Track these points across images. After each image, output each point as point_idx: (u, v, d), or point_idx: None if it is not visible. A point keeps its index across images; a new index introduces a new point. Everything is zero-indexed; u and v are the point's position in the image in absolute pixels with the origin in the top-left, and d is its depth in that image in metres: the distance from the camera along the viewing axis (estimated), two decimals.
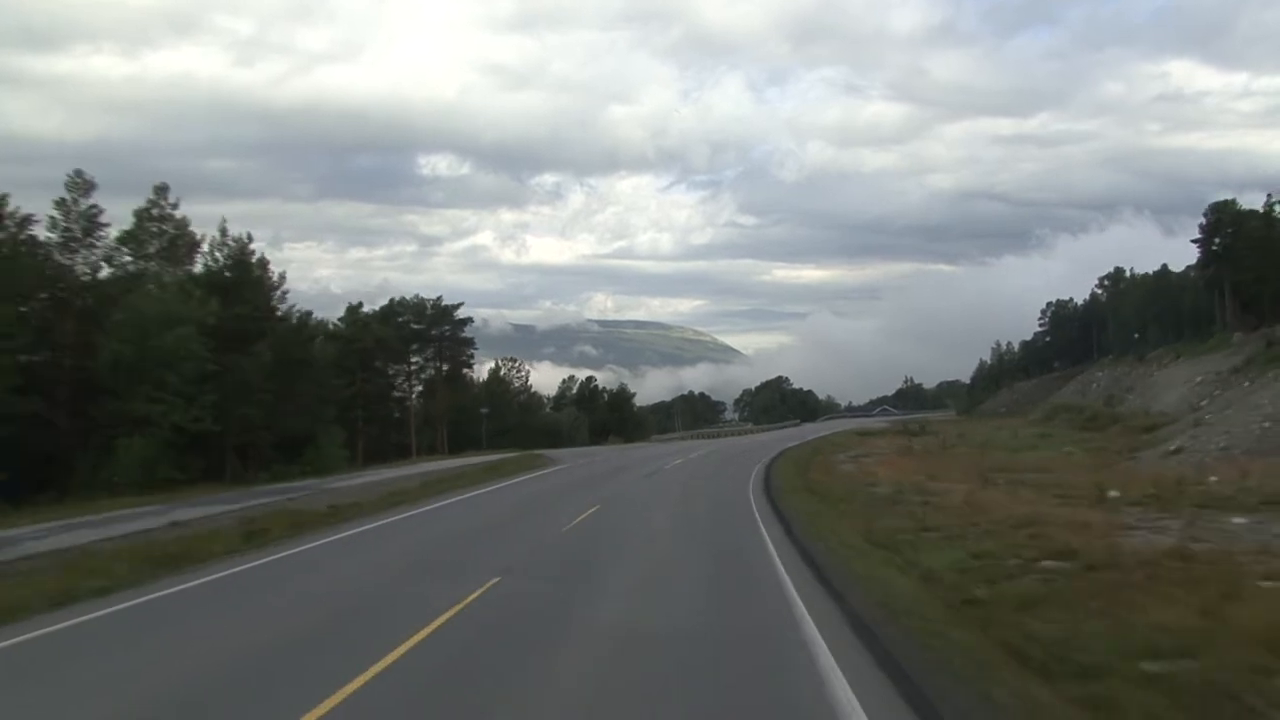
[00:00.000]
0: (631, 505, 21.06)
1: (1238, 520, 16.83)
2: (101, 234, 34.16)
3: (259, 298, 38.06)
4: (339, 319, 55.25)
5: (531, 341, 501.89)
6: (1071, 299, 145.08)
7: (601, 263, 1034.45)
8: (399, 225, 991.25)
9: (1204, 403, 67.57)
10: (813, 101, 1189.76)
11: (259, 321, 37.18)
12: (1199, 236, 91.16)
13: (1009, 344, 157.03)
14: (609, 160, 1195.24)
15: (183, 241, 35.98)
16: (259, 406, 35.14)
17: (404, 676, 6.93)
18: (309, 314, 52.22)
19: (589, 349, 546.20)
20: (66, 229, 33.35)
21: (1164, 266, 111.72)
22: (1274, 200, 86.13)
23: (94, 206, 33.75)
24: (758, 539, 15.23)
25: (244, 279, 37.36)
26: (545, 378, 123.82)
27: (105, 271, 34.81)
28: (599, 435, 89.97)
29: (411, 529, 17.71)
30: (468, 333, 69.69)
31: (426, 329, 66.00)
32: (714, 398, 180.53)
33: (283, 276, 41.94)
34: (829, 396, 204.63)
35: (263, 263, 39.37)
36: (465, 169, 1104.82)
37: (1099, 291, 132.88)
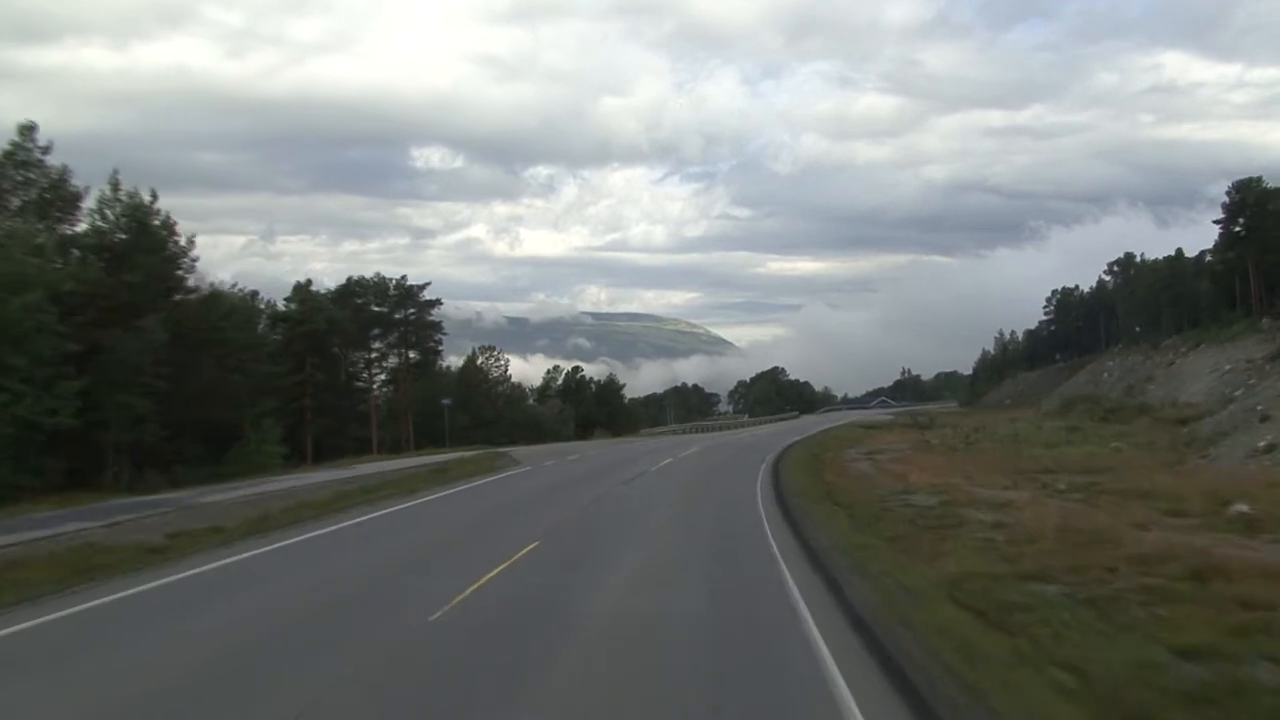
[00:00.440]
0: (592, 537, 14.90)
1: None
2: None
3: (159, 266, 31.80)
4: (285, 298, 49.44)
5: (525, 334, 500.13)
6: (1077, 286, 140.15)
7: (595, 255, 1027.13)
8: (392, 218, 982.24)
9: (1238, 393, 62.62)
10: (807, 94, 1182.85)
11: (159, 293, 31.12)
12: (1221, 217, 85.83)
13: (1012, 333, 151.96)
14: (602, 152, 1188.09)
15: (58, 195, 29.87)
16: (147, 395, 29.17)
17: None
18: (254, 293, 46.65)
19: (582, 341, 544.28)
20: None
21: (1178, 251, 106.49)
22: None
23: None
24: (788, 606, 9.37)
25: (139, 243, 31.24)
26: (539, 370, 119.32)
27: None
28: (585, 429, 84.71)
29: (229, 589, 11.07)
30: (437, 316, 63.36)
31: (389, 312, 60.04)
32: (708, 390, 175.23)
33: (191, 241, 35.36)
34: (825, 388, 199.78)
35: (167, 225, 33.37)
36: (458, 161, 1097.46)
37: (1107, 279, 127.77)
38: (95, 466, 28.44)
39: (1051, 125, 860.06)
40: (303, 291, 49.56)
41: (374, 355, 60.27)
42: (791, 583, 10.54)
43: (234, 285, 43.50)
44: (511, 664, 7.37)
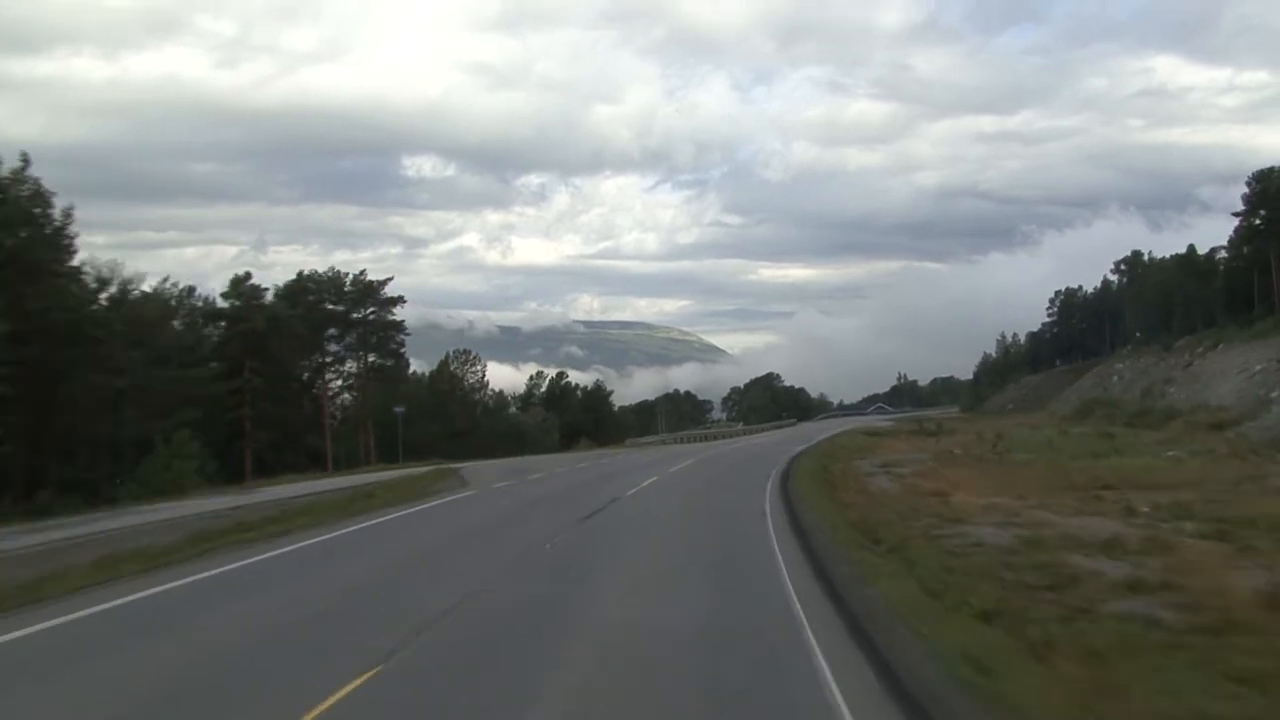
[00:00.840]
0: (478, 658, 7.80)
1: None
2: None
3: (21, 242, 26.16)
4: (222, 293, 43.82)
5: (517, 343, 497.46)
6: (1081, 287, 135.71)
7: (587, 263, 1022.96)
8: (384, 227, 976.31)
9: (1275, 394, 57.92)
10: (798, 100, 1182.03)
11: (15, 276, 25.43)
12: (1242, 209, 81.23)
13: (1014, 336, 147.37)
14: (594, 160, 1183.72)
15: None
16: None
17: None
18: (189, 289, 41.34)
19: (575, 350, 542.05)
20: None
21: (1190, 247, 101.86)
22: None
23: None
24: None
25: None
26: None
27: None
28: (571, 438, 79.60)
29: None
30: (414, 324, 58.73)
31: (346, 311, 54.53)
32: (701, 397, 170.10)
33: (69, 214, 29.65)
34: (821, 394, 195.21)
35: (41, 199, 27.59)
36: (450, 170, 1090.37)
37: (1112, 279, 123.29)
38: None
39: (1042, 130, 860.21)
40: (240, 286, 43.84)
41: (328, 359, 54.66)
42: None
43: (167, 281, 38.33)
44: None
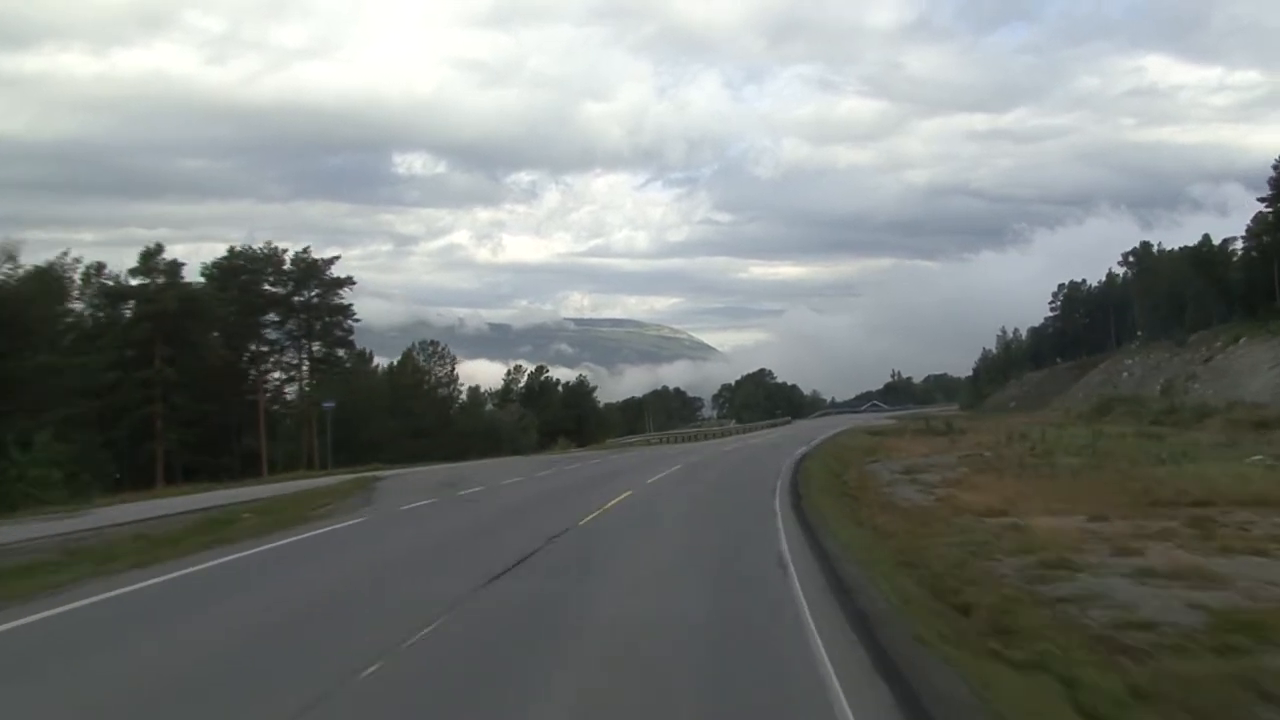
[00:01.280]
0: None
1: None
2: None
3: None
4: (130, 269, 37.63)
5: (508, 341, 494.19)
6: (1084, 281, 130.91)
7: (578, 261, 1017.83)
8: (374, 225, 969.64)
9: None
10: (788, 98, 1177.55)
11: None
12: (1267, 194, 76.33)
13: (1015, 331, 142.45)
14: (585, 158, 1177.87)
15: None
16: None
17: None
18: (100, 266, 35.63)
19: (565, 347, 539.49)
20: None
21: (1205, 237, 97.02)
22: None
23: None
24: None
25: None
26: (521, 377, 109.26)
27: None
28: (550, 436, 74.32)
29: None
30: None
31: (289, 293, 48.44)
32: (691, 394, 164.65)
33: None
34: (814, 391, 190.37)
35: None
36: (441, 167, 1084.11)
37: (1120, 271, 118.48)
38: None
39: (1034, 128, 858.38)
40: (150, 261, 37.68)
41: (265, 348, 48.54)
42: None
43: (66, 255, 32.61)
44: None
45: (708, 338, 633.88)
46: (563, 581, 9.77)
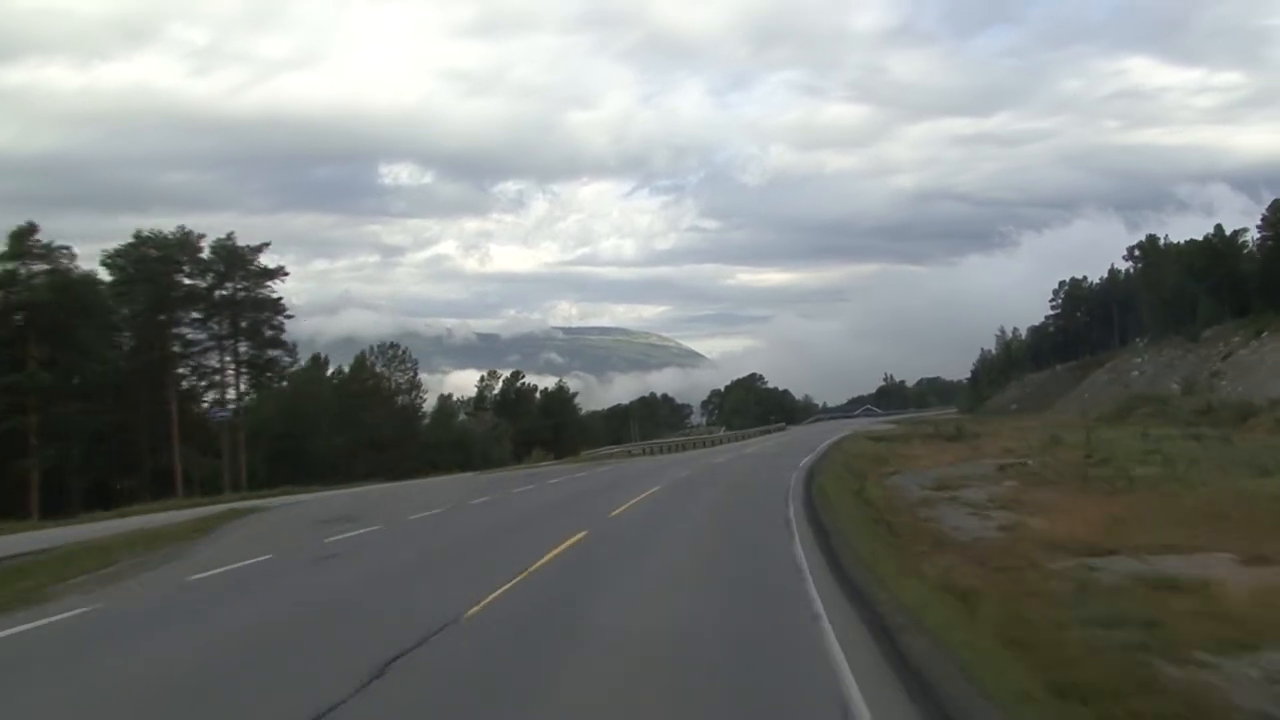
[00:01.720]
0: None
1: None
2: None
3: None
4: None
5: (496, 350, 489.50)
6: (1085, 277, 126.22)
7: (565, 270, 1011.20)
8: (361, 236, 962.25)
9: None
10: (774, 104, 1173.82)
11: None
12: None
13: (1014, 331, 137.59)
14: (571, 166, 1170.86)
15: None
16: None
17: None
18: None
19: (554, 357, 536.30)
20: None
21: (1218, 227, 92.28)
22: None
23: None
24: None
25: None
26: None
27: None
28: (526, 446, 68.86)
29: None
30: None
31: (209, 287, 42.05)
32: (680, 401, 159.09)
33: None
34: (806, 396, 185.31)
35: None
36: (427, 178, 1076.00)
37: (1125, 266, 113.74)
38: None
39: (1018, 132, 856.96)
40: (24, 243, 31.36)
41: (177, 349, 42.18)
42: None
43: None
44: None
45: (696, 345, 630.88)
46: None
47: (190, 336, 42.40)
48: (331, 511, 19.60)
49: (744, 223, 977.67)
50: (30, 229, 31.50)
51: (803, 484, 22.34)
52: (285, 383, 45.12)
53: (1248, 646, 7.21)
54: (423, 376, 70.52)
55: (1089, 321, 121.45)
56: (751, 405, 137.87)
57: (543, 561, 11.58)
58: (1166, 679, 6.43)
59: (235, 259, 42.07)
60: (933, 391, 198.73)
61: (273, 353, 43.56)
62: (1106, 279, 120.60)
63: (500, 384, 76.22)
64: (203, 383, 43.15)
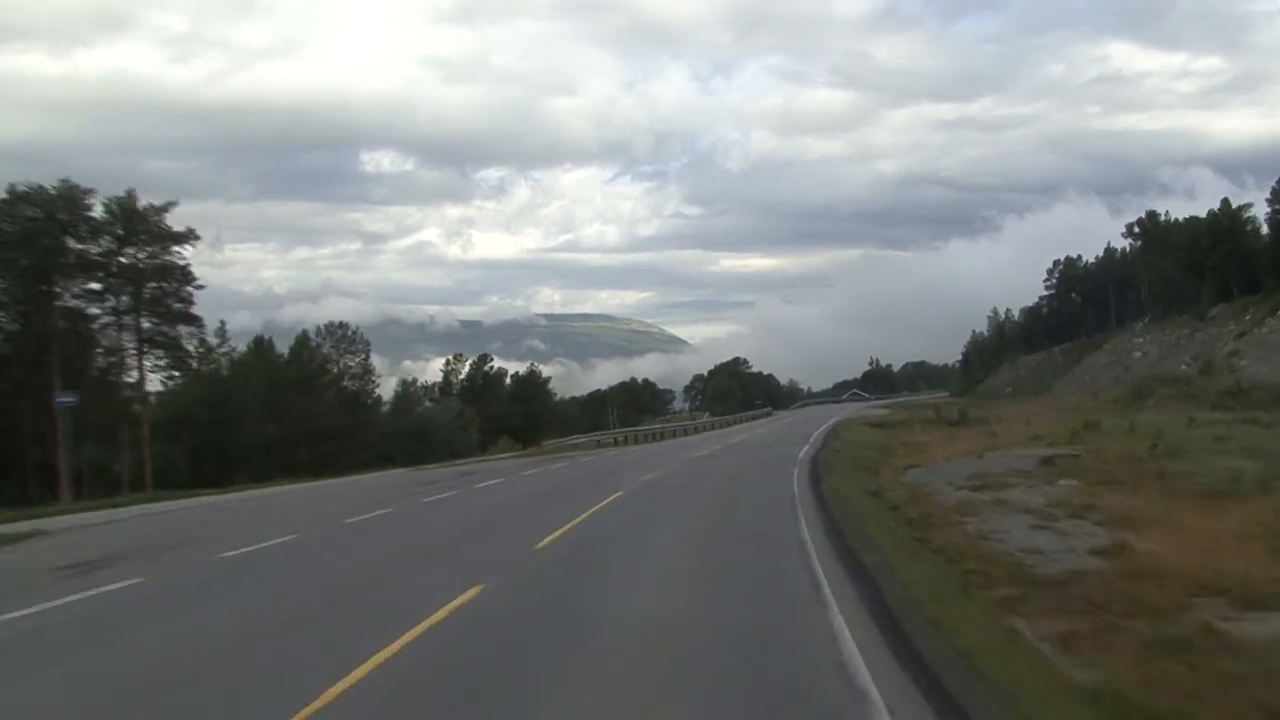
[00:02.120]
0: None
1: None
2: None
3: None
4: None
5: (479, 337, 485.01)
6: (1080, 256, 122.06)
7: (548, 256, 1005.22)
8: (343, 223, 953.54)
9: None
10: (756, 90, 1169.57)
11: None
12: None
13: (1007, 312, 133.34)
14: (553, 153, 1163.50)
15: None
16: None
17: None
18: None
19: (537, 343, 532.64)
20: None
21: (1225, 202, 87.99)
22: None
23: None
24: None
25: None
26: None
27: None
28: (494, 435, 63.94)
29: None
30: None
31: (104, 253, 35.61)
32: (662, 386, 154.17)
33: None
34: (791, 380, 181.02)
35: None
36: (409, 165, 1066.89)
37: (1124, 243, 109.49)
38: None
39: (1001, 117, 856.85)
40: None
41: (63, 324, 35.98)
42: None
43: None
44: None
45: (680, 331, 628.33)
46: None
47: (90, 311, 36.35)
48: (99, 547, 13.04)
49: (727, 208, 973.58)
50: None
51: (809, 488, 17.40)
52: (198, 365, 39.33)
53: None
54: (406, 363, 65.30)
55: (1083, 302, 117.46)
56: (735, 390, 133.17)
57: (403, 642, 6.42)
58: None
59: (135, 220, 36.10)
60: (919, 375, 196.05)
61: (184, 329, 37.60)
62: (1102, 258, 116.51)
63: (467, 368, 70.77)
64: (102, 364, 37.06)
